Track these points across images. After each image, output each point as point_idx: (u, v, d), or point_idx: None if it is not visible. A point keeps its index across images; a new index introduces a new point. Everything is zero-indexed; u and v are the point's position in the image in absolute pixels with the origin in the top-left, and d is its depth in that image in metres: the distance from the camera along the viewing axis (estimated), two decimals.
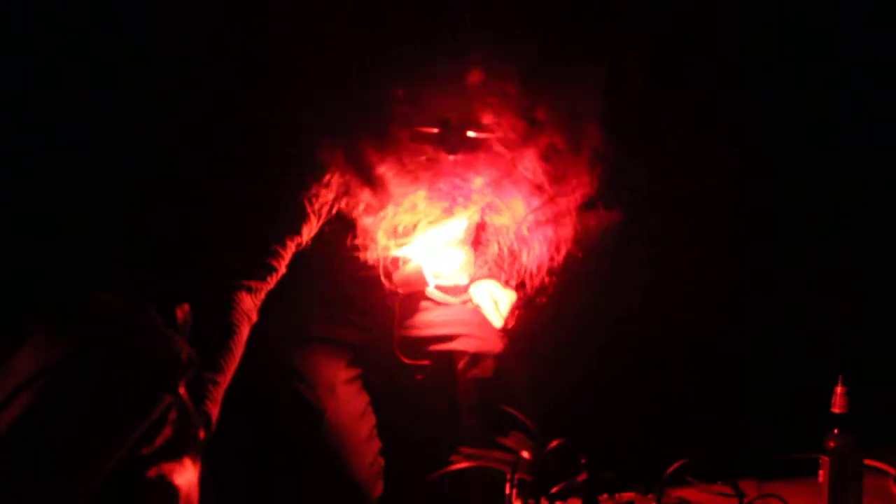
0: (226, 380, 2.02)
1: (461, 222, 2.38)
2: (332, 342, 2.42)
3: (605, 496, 2.17)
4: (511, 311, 2.48)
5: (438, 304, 2.49)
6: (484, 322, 2.46)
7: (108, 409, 1.61)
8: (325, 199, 2.23)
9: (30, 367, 1.62)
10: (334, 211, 2.27)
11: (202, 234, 2.32)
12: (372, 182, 2.18)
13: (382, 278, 2.39)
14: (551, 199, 2.24)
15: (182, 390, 1.71)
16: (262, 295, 2.22)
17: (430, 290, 2.46)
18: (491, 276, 2.51)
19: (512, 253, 2.50)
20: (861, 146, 3.03)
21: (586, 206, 2.28)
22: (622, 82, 2.81)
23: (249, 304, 2.15)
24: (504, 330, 2.46)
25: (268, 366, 2.33)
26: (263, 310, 2.26)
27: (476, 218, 2.41)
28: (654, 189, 2.91)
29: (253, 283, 2.17)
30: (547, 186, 2.25)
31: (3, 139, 2.33)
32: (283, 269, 2.22)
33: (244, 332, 2.12)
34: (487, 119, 2.17)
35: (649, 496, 2.20)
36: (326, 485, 2.33)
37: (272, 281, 2.21)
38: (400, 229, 2.32)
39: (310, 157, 2.21)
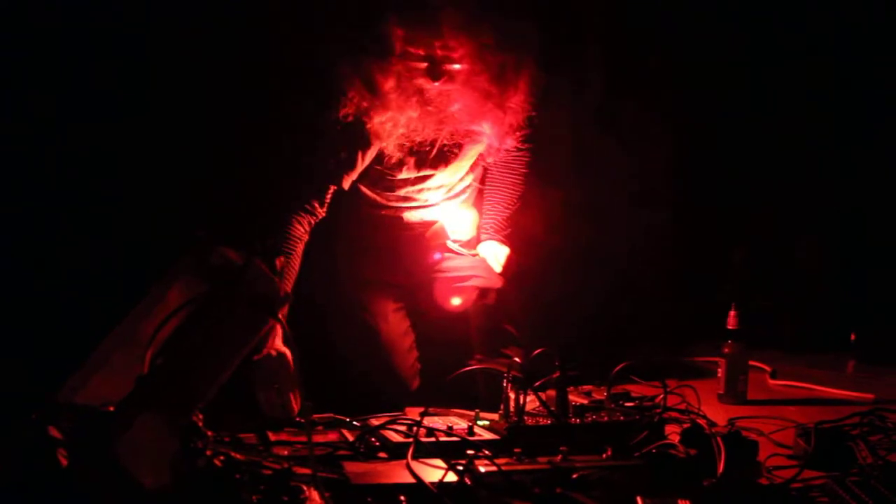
0: (289, 286, 2.41)
1: (467, 190, 2.83)
2: (385, 283, 2.82)
3: (571, 388, 2.36)
4: (506, 261, 2.93)
5: (457, 254, 2.89)
6: (489, 268, 2.89)
7: (230, 328, 1.78)
8: (348, 113, 2.48)
9: (179, 300, 1.81)
10: (369, 147, 2.56)
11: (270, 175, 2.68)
12: (378, 96, 2.50)
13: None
14: (502, 109, 2.55)
15: (280, 316, 1.89)
16: (314, 219, 2.53)
17: (450, 243, 2.88)
18: (492, 238, 2.97)
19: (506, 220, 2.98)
20: None
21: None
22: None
23: (301, 230, 2.51)
24: (502, 273, 2.89)
25: (340, 299, 2.77)
26: (334, 260, 2.75)
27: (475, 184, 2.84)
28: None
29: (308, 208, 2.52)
30: (501, 102, 2.55)
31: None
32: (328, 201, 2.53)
33: (299, 249, 2.48)
34: (460, 56, 2.48)
35: (602, 388, 2.46)
36: (381, 380, 2.68)
37: (323, 210, 2.54)
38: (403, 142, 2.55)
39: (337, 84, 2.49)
